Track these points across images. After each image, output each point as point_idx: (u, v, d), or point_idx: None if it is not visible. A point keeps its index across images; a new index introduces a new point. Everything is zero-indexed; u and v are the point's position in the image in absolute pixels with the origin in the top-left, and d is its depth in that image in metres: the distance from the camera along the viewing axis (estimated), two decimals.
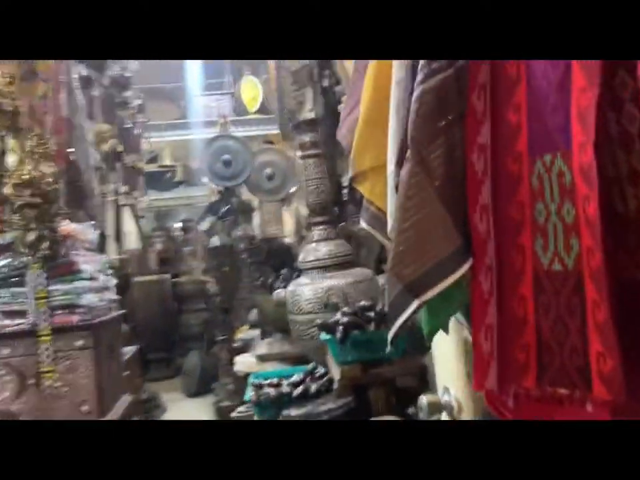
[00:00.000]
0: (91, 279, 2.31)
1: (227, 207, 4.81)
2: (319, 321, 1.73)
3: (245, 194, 5.07)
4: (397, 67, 1.02)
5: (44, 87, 2.30)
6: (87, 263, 2.33)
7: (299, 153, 3.36)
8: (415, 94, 0.77)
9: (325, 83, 2.77)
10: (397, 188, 0.94)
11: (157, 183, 6.40)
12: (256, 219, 5.47)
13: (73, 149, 2.54)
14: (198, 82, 5.60)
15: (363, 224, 1.10)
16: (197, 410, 5.00)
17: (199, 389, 5.57)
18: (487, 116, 0.76)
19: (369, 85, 1.06)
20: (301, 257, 2.21)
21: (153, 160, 5.84)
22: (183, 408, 5.22)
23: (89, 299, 2.23)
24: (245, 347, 3.48)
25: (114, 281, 2.64)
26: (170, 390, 5.77)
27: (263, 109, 5.40)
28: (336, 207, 2.29)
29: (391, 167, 0.99)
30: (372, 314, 1.62)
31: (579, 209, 0.65)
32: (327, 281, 2.03)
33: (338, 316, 1.69)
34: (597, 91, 0.62)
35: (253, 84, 5.40)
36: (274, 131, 5.29)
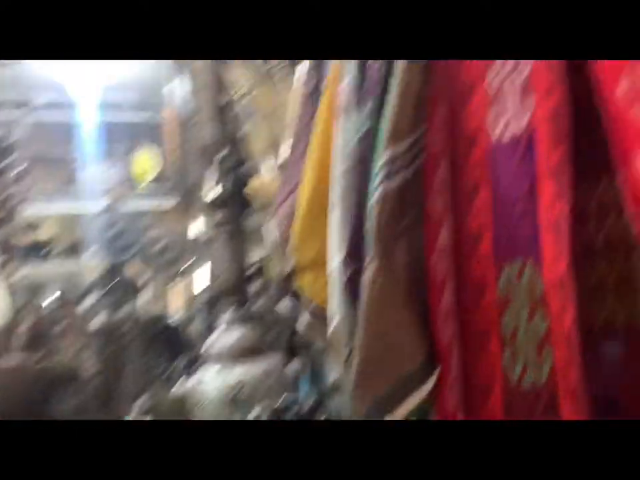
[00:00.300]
0: None
1: (111, 284, 4.47)
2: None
3: (132, 270, 4.76)
4: (342, 157, 0.99)
5: None
6: None
7: (205, 230, 3.24)
8: (376, 195, 0.74)
9: (233, 161, 2.73)
10: (345, 286, 0.88)
11: (34, 254, 5.83)
12: (143, 297, 5.13)
13: None
14: (89, 150, 5.31)
15: (301, 325, 1.02)
16: None
17: None
18: (447, 218, 0.74)
19: (312, 175, 1.02)
20: (205, 344, 2.04)
21: (31, 231, 5.33)
22: None
23: None
24: None
25: None
26: None
27: (158, 181, 5.22)
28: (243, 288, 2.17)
29: (335, 261, 0.93)
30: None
31: (553, 321, 0.63)
32: (236, 372, 1.88)
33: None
34: (566, 203, 0.62)
35: (148, 155, 5.23)
36: (169, 203, 5.10)
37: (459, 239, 0.73)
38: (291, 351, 2.15)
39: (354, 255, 0.88)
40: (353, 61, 0.97)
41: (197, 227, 4.27)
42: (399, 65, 0.83)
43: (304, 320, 1.00)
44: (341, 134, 1.00)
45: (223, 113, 2.61)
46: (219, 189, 3.23)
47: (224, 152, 2.78)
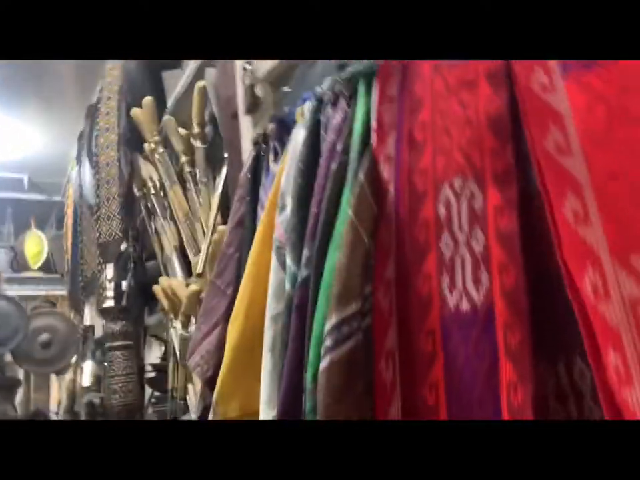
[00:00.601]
0: None
1: None
2: None
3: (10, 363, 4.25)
4: (273, 299, 0.94)
5: None
6: None
7: (106, 343, 2.99)
8: (323, 365, 0.68)
9: (136, 258, 2.58)
10: None
11: None
12: (20, 393, 4.56)
13: None
14: None
15: None
16: None
17: None
18: (397, 389, 0.70)
19: (238, 319, 0.94)
20: None
21: None
22: None
23: None
24: None
25: None
26: None
27: (46, 267, 4.82)
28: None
29: (267, 414, 0.85)
30: None
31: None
32: None
33: None
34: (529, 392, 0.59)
35: (38, 239, 4.85)
36: (58, 291, 4.69)
37: (412, 412, 0.68)
38: None
39: (289, 415, 0.80)
40: (292, 192, 0.94)
41: (87, 320, 3.94)
42: (345, 214, 0.80)
43: None
44: (274, 273, 0.95)
45: (131, 207, 2.49)
46: (118, 286, 3.03)
47: (128, 247, 2.63)
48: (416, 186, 0.74)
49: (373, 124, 0.84)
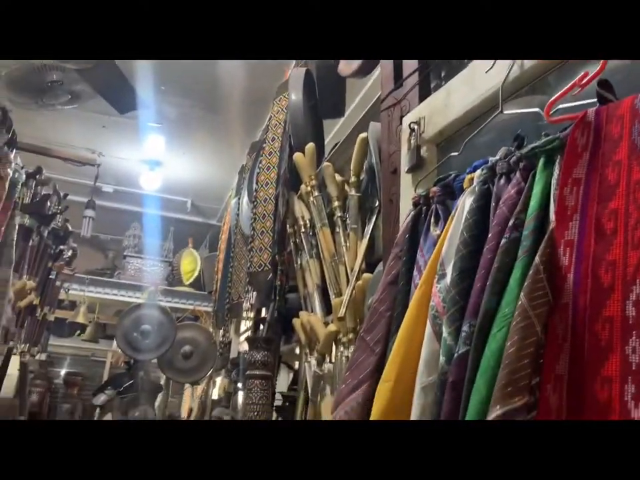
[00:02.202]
0: None
1: (130, 381, 4.35)
2: None
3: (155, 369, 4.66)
4: (424, 370, 0.92)
5: None
6: None
7: (245, 351, 3.17)
8: None
9: (281, 290, 2.70)
10: None
11: (59, 329, 5.83)
12: (159, 397, 4.97)
13: None
14: (136, 240, 5.46)
15: None
16: None
17: None
18: None
19: (389, 382, 0.94)
20: None
21: (65, 307, 5.37)
22: None
23: None
24: None
25: None
26: None
27: (197, 284, 5.25)
28: None
29: None
30: None
31: None
32: None
33: None
34: None
35: (193, 257, 5.32)
36: (203, 307, 5.08)
37: None
38: None
39: None
40: (455, 261, 0.93)
41: (225, 339, 4.20)
42: (514, 296, 0.77)
43: None
44: (428, 343, 0.93)
45: (282, 242, 2.62)
46: (259, 312, 3.19)
47: (274, 279, 2.77)
48: (601, 279, 0.69)
49: (554, 204, 0.80)
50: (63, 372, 7.41)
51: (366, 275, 1.82)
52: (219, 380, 4.63)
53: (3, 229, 2.19)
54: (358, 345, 1.13)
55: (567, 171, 0.79)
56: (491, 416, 0.68)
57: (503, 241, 0.84)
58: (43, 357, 4.19)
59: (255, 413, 1.94)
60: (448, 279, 0.95)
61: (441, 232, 1.04)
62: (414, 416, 0.88)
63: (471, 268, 0.90)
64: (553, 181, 0.83)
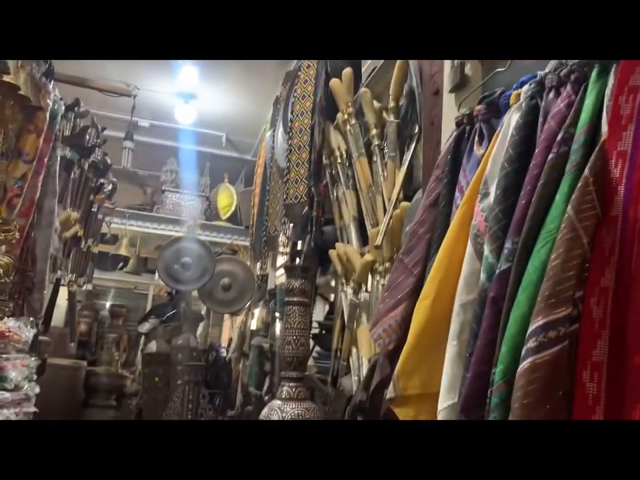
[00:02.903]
0: (15, 388, 1.98)
1: (173, 311, 4.52)
2: None
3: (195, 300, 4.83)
4: (464, 288, 0.92)
5: (24, 168, 2.10)
6: (15, 368, 2.01)
7: (282, 283, 3.23)
8: (524, 366, 0.66)
9: (318, 222, 2.71)
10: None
11: (103, 263, 6.06)
12: (200, 327, 5.17)
13: (35, 235, 2.30)
14: (173, 176, 5.52)
15: None
16: None
17: None
18: (600, 404, 0.65)
19: (427, 300, 0.95)
20: (263, 413, 1.97)
21: (108, 242, 5.55)
22: None
23: (4, 414, 1.89)
24: None
25: (37, 389, 2.29)
26: None
27: (233, 219, 5.31)
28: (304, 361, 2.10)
29: (445, 403, 0.85)
30: None
31: None
32: None
33: None
34: None
35: (229, 192, 5.35)
36: (241, 241, 5.17)
37: None
38: None
39: (471, 408, 0.79)
40: (499, 179, 0.91)
41: (263, 271, 4.28)
42: (560, 211, 0.75)
43: None
44: (469, 262, 0.93)
45: (317, 173, 2.61)
46: (295, 245, 3.23)
47: (310, 211, 2.78)
48: None
49: (606, 116, 0.76)
50: (108, 304, 7.77)
51: (404, 204, 1.80)
52: (257, 311, 4.77)
53: (46, 159, 2.24)
54: (396, 267, 1.14)
55: (624, 78, 0.74)
56: (532, 327, 0.68)
57: (551, 155, 0.82)
58: (89, 287, 4.37)
59: (293, 338, 2.00)
60: (491, 197, 0.93)
61: (485, 151, 1.02)
62: (452, 332, 0.89)
63: (515, 185, 0.88)
64: (607, 92, 0.79)
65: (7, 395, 1.91)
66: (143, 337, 4.86)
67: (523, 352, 0.67)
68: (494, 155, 0.97)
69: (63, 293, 4.04)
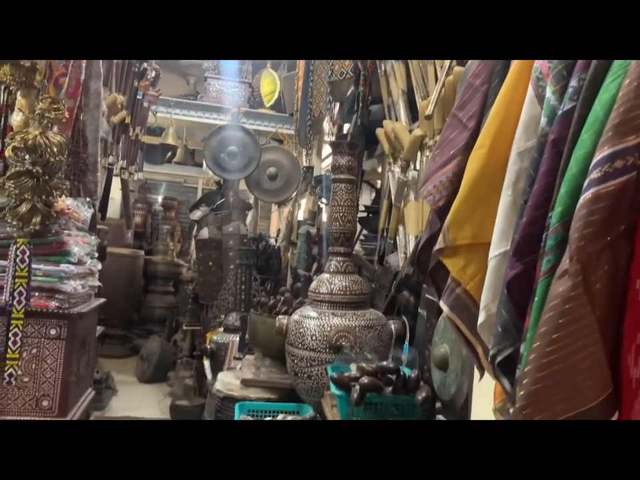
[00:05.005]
0: (79, 262, 2.11)
1: (222, 200, 4.61)
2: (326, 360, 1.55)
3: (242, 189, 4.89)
4: (522, 135, 0.87)
5: None
6: (77, 244, 2.13)
7: (327, 169, 3.19)
8: (586, 196, 0.62)
9: (363, 100, 2.61)
10: (509, 285, 0.79)
11: (152, 155, 6.16)
12: (250, 216, 5.28)
13: (84, 117, 2.32)
14: (215, 62, 5.37)
15: (444, 306, 0.95)
16: (149, 399, 4.80)
17: (153, 376, 5.38)
18: None
19: (482, 149, 0.91)
20: (312, 286, 2.04)
21: (155, 133, 5.59)
22: (135, 393, 5.01)
23: (72, 285, 2.03)
24: (217, 351, 3.32)
25: (99, 266, 2.44)
26: (123, 371, 5.55)
27: (277, 106, 5.21)
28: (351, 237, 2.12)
29: (497, 251, 0.84)
30: (393, 377, 1.47)
31: None
32: (337, 320, 1.87)
33: (354, 370, 1.53)
34: None
35: (272, 78, 5.20)
36: (286, 130, 5.09)
37: None
38: (392, 312, 2.10)
39: (524, 252, 0.78)
40: None
41: (307, 159, 4.25)
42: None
43: (450, 301, 0.93)
44: (529, 107, 0.87)
45: None
46: (341, 127, 3.15)
47: (356, 88, 2.67)
48: None
49: None
50: (160, 197, 8.01)
51: (457, 69, 1.69)
52: (303, 202, 4.81)
53: None
54: (449, 123, 1.09)
55: None
56: (597, 158, 0.64)
57: None
58: (140, 176, 4.47)
59: (340, 214, 2.00)
60: None
61: None
62: (507, 181, 0.86)
63: None
64: None
65: (72, 267, 2.04)
66: (195, 225, 5.02)
67: (585, 184, 0.63)
68: None
69: (116, 184, 4.17)
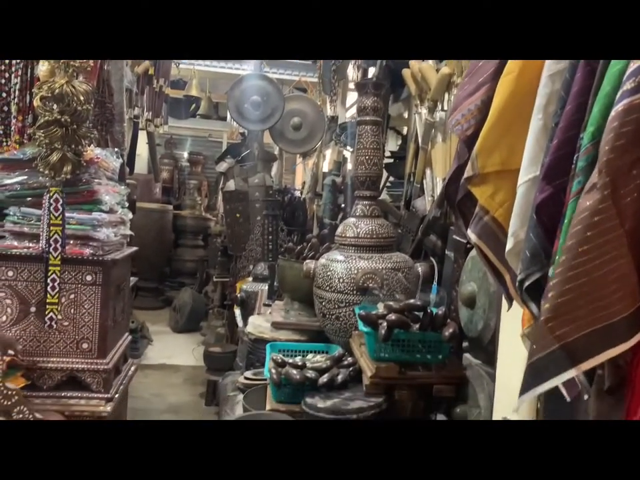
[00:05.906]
0: (110, 211, 2.16)
1: (247, 151, 4.61)
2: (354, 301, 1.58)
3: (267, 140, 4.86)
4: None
5: None
6: (108, 193, 2.17)
7: (353, 116, 3.12)
8: (618, 108, 0.60)
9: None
10: (537, 209, 0.78)
11: (176, 110, 6.14)
12: (274, 168, 5.27)
13: (108, 67, 2.32)
14: None
15: (471, 235, 0.95)
16: (183, 348, 4.98)
17: (186, 326, 5.56)
18: None
19: (511, 74, 0.88)
20: (338, 231, 2.05)
21: (178, 86, 5.56)
22: (169, 342, 5.20)
23: (105, 232, 2.08)
24: (247, 300, 3.39)
25: (130, 215, 2.49)
26: (156, 322, 5.74)
27: None
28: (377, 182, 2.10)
29: (526, 176, 0.83)
30: (420, 314, 1.48)
31: None
32: (363, 263, 1.88)
33: (381, 309, 1.55)
34: None
35: None
36: (309, 78, 5.01)
37: None
38: (419, 256, 2.10)
39: (554, 175, 0.77)
40: None
41: (333, 107, 4.18)
42: None
43: (477, 229, 0.92)
44: None
45: None
46: (365, 71, 3.07)
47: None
48: None
49: None
50: (185, 153, 8.05)
51: None
52: (328, 153, 4.77)
53: None
54: None
55: None
56: (631, 69, 0.61)
57: None
58: (166, 129, 4.48)
59: (366, 157, 1.98)
60: None
61: None
62: (538, 105, 0.84)
63: None
64: None
65: (104, 215, 2.08)
66: (222, 177, 5.04)
67: (618, 96, 0.61)
68: None
69: (142, 139, 4.18)
